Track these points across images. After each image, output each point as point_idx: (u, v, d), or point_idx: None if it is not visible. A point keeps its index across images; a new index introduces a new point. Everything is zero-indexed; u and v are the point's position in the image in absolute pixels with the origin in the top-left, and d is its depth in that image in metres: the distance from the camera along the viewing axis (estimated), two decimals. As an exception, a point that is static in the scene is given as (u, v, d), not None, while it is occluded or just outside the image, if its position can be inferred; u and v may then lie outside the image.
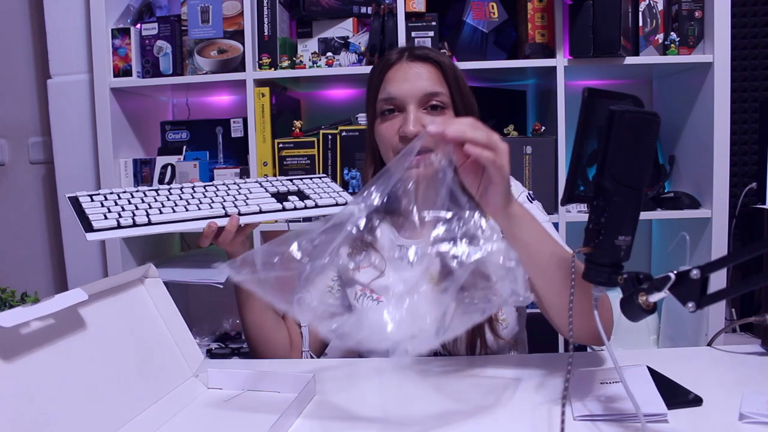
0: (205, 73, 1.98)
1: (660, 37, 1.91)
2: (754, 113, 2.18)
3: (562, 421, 0.70)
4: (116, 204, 1.05)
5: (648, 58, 1.89)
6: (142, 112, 2.19)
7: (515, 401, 0.87)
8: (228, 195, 1.13)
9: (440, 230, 1.17)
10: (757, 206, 2.02)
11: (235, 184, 1.18)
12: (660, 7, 1.91)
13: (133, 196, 1.08)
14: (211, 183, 1.17)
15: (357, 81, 2.10)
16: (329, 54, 1.96)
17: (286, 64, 1.95)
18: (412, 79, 1.14)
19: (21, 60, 2.47)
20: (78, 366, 0.78)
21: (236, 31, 1.96)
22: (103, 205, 1.04)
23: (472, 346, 1.14)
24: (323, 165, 1.96)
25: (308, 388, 0.92)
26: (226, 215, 1.08)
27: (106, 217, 1.00)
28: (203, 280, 1.98)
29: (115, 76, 2.02)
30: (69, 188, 2.16)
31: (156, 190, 1.12)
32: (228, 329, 2.27)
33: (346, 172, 1.94)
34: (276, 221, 1.08)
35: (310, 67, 1.96)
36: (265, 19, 1.94)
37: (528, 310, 1.28)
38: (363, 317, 1.18)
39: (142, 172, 2.09)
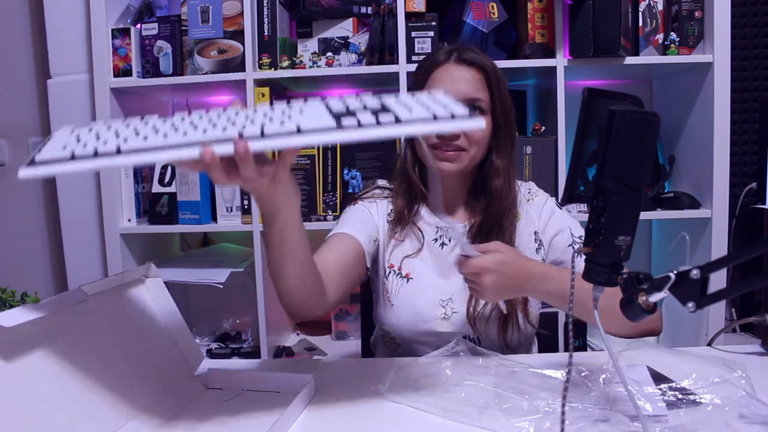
0: (205, 73, 1.98)
1: (660, 37, 1.91)
2: (754, 113, 2.18)
3: (562, 421, 0.70)
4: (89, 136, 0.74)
5: (648, 58, 1.89)
6: (143, 112, 2.17)
7: (515, 401, 0.87)
8: (250, 117, 0.76)
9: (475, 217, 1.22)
10: (757, 206, 2.02)
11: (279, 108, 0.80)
12: (660, 7, 1.91)
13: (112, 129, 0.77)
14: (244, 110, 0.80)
15: (357, 81, 2.10)
16: (329, 54, 1.96)
17: (286, 64, 1.95)
18: (456, 82, 1.19)
19: (21, 60, 2.47)
20: (78, 366, 0.78)
21: (236, 31, 1.96)
22: (78, 139, 0.73)
23: (504, 331, 1.19)
24: (323, 165, 1.96)
25: (308, 388, 0.92)
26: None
27: (64, 148, 0.70)
28: (203, 280, 1.98)
29: (115, 76, 2.02)
30: (69, 188, 2.18)
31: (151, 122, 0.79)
32: (228, 329, 2.27)
33: (346, 172, 1.94)
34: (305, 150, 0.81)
35: (310, 67, 1.96)
36: (265, 19, 1.94)
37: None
38: (396, 296, 1.24)
39: (142, 172, 2.09)
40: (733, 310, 2.17)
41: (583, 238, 1.19)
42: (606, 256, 0.76)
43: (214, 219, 2.04)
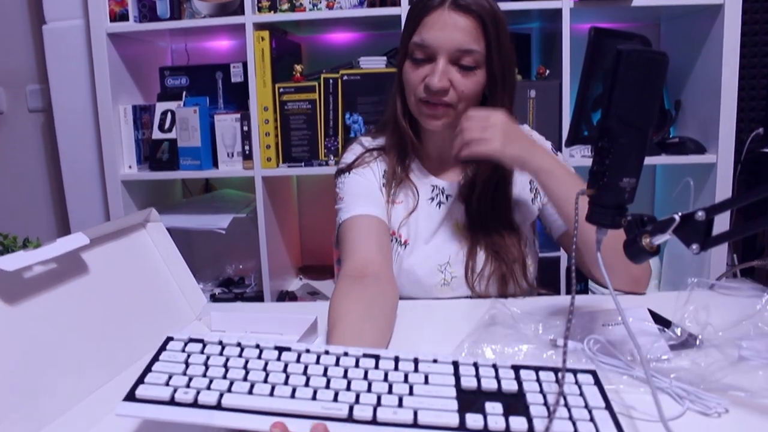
0: (204, 17, 1.94)
1: (669, -23, 1.86)
2: (764, 57, 2.14)
3: (564, 361, 0.71)
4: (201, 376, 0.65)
5: (656, -1, 1.85)
6: (141, 58, 2.16)
7: (516, 345, 0.87)
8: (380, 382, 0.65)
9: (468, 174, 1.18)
10: (764, 150, 2.00)
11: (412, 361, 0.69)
12: (670, -55, 1.85)
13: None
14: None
15: (358, 24, 2.06)
16: (330, -4, 1.92)
17: (285, 6, 1.91)
18: (449, 31, 1.09)
19: (15, 6, 2.42)
20: (80, 310, 0.78)
21: (234, -28, 1.91)
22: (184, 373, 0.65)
23: (504, 290, 1.17)
24: (324, 109, 1.94)
25: (310, 330, 0.93)
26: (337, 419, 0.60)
27: (167, 384, 0.63)
28: (206, 226, 1.99)
29: (111, 20, 1.98)
30: (68, 136, 2.16)
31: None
32: (231, 275, 2.29)
33: (348, 116, 1.92)
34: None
35: (310, 9, 1.92)
36: (264, -40, 1.89)
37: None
38: (395, 265, 1.19)
39: (141, 119, 2.07)
40: (734, 255, 2.18)
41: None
42: (610, 197, 0.75)
43: (216, 165, 2.03)
